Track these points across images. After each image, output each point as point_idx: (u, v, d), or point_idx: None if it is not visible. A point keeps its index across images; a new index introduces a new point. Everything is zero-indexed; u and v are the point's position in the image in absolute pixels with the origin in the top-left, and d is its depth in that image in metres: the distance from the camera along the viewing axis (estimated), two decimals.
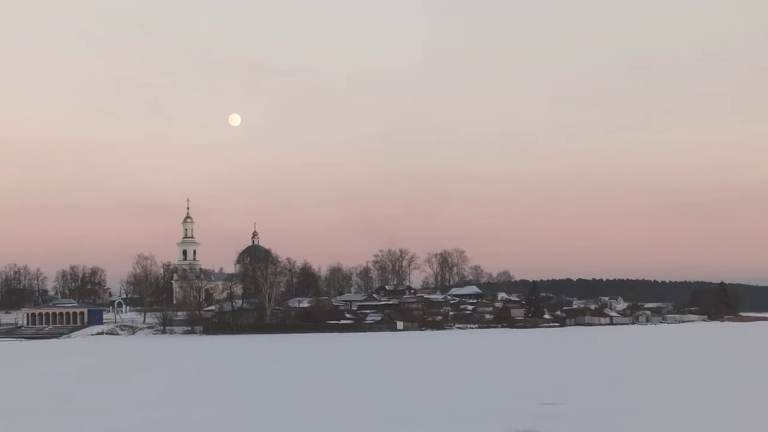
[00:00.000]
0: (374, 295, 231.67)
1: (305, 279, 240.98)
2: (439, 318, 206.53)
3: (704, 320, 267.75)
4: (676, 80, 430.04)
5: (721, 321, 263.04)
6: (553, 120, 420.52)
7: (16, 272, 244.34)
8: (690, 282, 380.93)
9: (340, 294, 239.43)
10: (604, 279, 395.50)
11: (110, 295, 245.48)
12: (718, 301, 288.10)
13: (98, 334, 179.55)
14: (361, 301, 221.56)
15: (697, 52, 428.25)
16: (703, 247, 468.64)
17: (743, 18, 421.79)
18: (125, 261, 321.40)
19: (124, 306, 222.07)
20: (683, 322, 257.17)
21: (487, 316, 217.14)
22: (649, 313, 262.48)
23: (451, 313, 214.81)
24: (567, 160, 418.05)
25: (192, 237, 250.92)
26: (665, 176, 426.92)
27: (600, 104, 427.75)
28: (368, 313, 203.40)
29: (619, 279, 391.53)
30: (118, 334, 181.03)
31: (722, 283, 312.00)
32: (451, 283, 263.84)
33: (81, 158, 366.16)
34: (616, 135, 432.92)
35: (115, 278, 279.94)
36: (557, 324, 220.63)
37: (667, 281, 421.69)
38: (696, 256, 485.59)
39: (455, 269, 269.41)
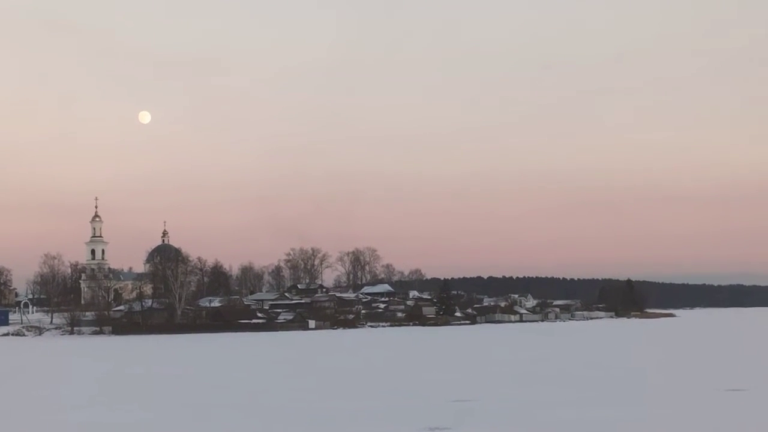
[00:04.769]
0: (286, 294, 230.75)
1: (216, 278, 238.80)
2: (351, 316, 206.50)
3: (611, 317, 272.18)
4: (585, 83, 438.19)
5: (628, 317, 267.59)
6: (463, 120, 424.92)
7: None
8: (598, 279, 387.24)
9: (252, 293, 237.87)
10: (514, 277, 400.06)
11: (16, 295, 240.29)
12: (624, 297, 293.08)
13: (4, 335, 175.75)
14: (272, 300, 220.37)
15: (606, 57, 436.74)
16: (610, 245, 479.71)
17: (649, 25, 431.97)
18: (32, 261, 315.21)
19: (30, 306, 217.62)
20: (591, 318, 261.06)
21: (399, 314, 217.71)
22: (558, 310, 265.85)
23: (363, 311, 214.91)
24: (476, 160, 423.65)
25: (100, 236, 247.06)
26: (572, 176, 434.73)
27: (509, 105, 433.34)
28: (280, 312, 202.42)
29: (528, 277, 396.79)
30: (24, 335, 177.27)
31: (629, 280, 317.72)
32: (364, 281, 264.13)
33: None
34: (525, 136, 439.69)
35: (22, 278, 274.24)
36: (468, 322, 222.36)
37: (576, 279, 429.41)
38: (603, 255, 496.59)
39: (367, 267, 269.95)
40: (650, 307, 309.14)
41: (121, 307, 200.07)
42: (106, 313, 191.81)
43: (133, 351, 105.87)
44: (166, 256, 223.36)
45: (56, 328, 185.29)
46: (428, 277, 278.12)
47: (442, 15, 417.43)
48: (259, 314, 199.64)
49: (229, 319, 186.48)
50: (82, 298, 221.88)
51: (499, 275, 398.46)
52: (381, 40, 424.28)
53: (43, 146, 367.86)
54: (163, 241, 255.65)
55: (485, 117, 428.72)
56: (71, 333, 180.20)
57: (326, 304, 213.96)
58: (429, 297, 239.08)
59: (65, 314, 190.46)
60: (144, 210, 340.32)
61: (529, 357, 74.11)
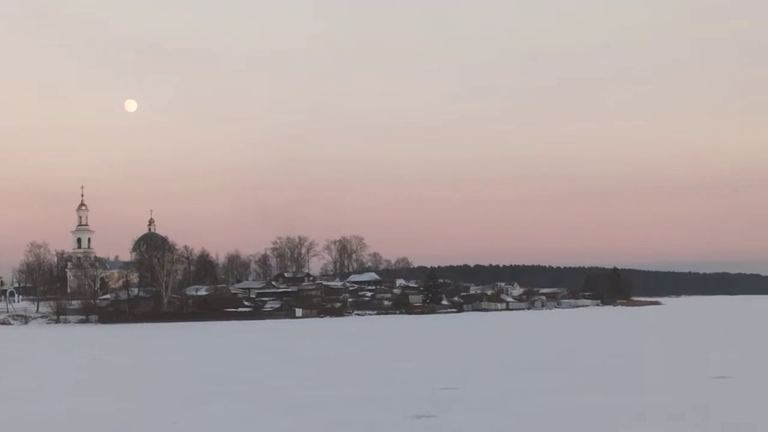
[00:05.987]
0: (273, 283, 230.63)
1: (203, 267, 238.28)
2: (338, 305, 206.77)
3: (597, 305, 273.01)
4: (573, 72, 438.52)
5: (614, 305, 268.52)
6: (451, 108, 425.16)
7: None
8: (584, 267, 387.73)
9: (239, 282, 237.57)
10: (501, 265, 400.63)
11: (2, 284, 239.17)
12: (610, 285, 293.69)
13: None
14: (259, 288, 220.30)
15: (593, 46, 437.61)
16: (597, 233, 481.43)
17: (636, 14, 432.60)
18: (18, 249, 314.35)
19: (16, 295, 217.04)
20: (577, 306, 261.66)
21: (386, 302, 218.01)
22: (544, 298, 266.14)
23: (350, 299, 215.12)
24: (464, 148, 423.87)
25: (86, 225, 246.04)
26: (559, 165, 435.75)
27: (497, 93, 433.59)
28: (267, 301, 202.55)
29: (515, 265, 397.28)
30: (10, 323, 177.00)
31: (615, 269, 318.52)
32: (350, 269, 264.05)
33: None
34: (513, 124, 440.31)
35: (7, 267, 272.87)
36: (455, 310, 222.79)
37: (562, 267, 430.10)
38: (590, 243, 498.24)
39: (354, 256, 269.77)
40: (636, 295, 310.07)
41: (108, 296, 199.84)
42: (92, 301, 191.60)
43: (119, 340, 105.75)
44: (152, 245, 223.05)
45: (42, 317, 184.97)
46: (415, 265, 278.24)
47: (433, 2, 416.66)
48: (246, 303, 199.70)
49: (216, 307, 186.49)
50: (68, 287, 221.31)
51: (486, 263, 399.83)
52: (370, 28, 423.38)
53: (29, 134, 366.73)
54: (150, 229, 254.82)
55: (473, 105, 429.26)
56: (57, 322, 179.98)
57: (313, 293, 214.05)
58: (416, 285, 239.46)
59: (51, 303, 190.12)
60: (130, 198, 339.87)
61: (516, 345, 74.32)
